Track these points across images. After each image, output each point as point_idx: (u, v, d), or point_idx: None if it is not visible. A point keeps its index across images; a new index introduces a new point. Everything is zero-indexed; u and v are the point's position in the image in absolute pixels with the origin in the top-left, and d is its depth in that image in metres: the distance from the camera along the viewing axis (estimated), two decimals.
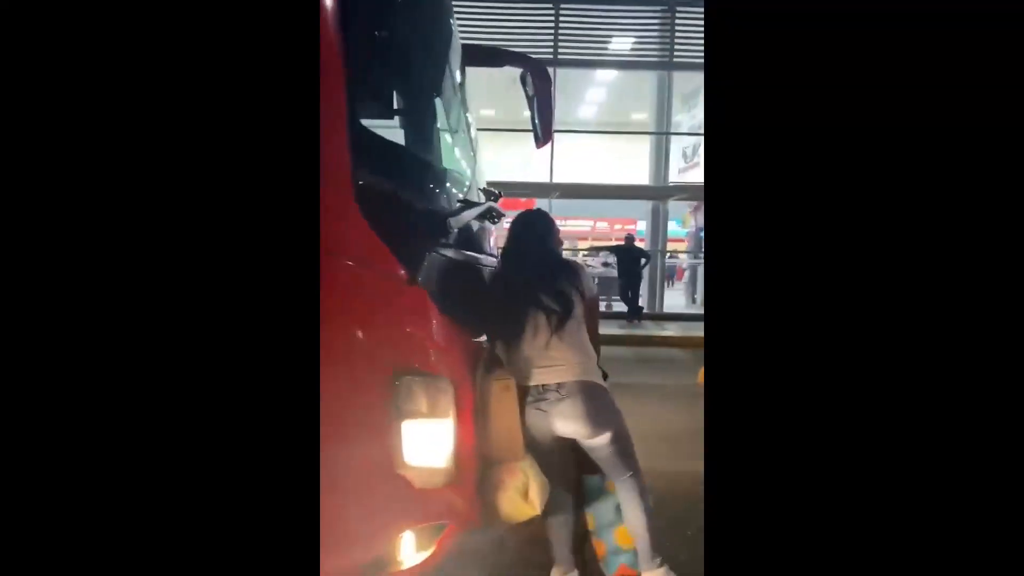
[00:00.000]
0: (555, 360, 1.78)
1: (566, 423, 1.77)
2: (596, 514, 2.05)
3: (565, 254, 2.57)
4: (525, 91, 3.13)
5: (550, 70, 3.22)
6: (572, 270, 1.92)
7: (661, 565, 1.88)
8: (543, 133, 3.21)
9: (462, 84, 2.69)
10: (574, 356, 1.80)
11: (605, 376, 2.06)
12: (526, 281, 1.84)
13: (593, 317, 1.95)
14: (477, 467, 1.75)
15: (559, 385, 1.76)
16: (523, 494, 1.74)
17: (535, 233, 1.95)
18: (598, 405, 1.79)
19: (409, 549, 1.54)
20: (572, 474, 1.94)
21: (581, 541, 2.01)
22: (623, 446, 1.85)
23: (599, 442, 1.81)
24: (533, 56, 3.24)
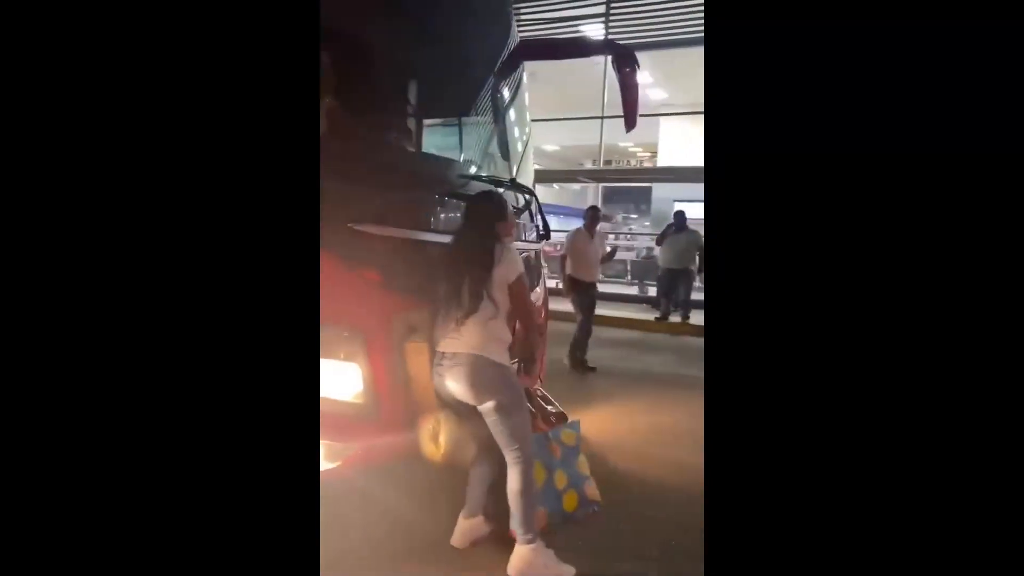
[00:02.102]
0: (458, 335, 2.04)
1: (453, 386, 2.04)
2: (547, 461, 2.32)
3: None
4: (616, 77, 3.32)
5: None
6: (495, 260, 2.05)
7: (531, 542, 2.05)
8: (628, 117, 3.36)
9: (502, 76, 2.98)
10: (474, 334, 2.02)
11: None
12: (456, 264, 2.08)
13: (520, 303, 2.12)
14: (404, 411, 2.14)
15: (454, 355, 2.03)
16: (433, 439, 2.09)
17: (472, 217, 2.13)
18: (481, 377, 2.00)
19: None
20: (486, 432, 2.13)
21: (490, 493, 2.27)
22: (506, 420, 2.02)
23: (484, 409, 2.03)
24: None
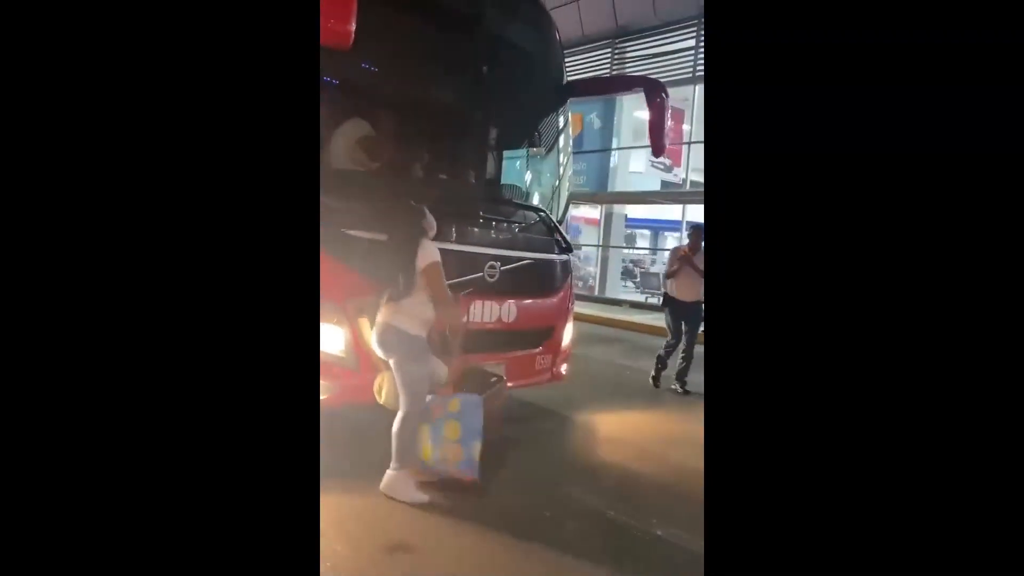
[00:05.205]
0: (382, 308, 2.79)
1: (375, 346, 2.82)
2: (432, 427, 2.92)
3: None
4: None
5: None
6: (415, 252, 2.71)
7: (396, 469, 2.72)
8: (655, 145, 3.94)
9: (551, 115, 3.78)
10: (390, 307, 2.75)
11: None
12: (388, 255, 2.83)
13: (431, 285, 2.72)
14: (375, 364, 2.97)
15: (377, 323, 2.78)
16: (378, 392, 2.90)
17: (401, 223, 2.80)
18: (385, 339, 2.72)
19: None
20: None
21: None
22: (400, 375, 2.72)
23: (391, 363, 2.77)
24: None
